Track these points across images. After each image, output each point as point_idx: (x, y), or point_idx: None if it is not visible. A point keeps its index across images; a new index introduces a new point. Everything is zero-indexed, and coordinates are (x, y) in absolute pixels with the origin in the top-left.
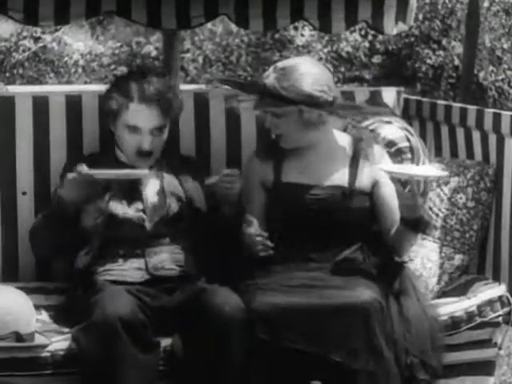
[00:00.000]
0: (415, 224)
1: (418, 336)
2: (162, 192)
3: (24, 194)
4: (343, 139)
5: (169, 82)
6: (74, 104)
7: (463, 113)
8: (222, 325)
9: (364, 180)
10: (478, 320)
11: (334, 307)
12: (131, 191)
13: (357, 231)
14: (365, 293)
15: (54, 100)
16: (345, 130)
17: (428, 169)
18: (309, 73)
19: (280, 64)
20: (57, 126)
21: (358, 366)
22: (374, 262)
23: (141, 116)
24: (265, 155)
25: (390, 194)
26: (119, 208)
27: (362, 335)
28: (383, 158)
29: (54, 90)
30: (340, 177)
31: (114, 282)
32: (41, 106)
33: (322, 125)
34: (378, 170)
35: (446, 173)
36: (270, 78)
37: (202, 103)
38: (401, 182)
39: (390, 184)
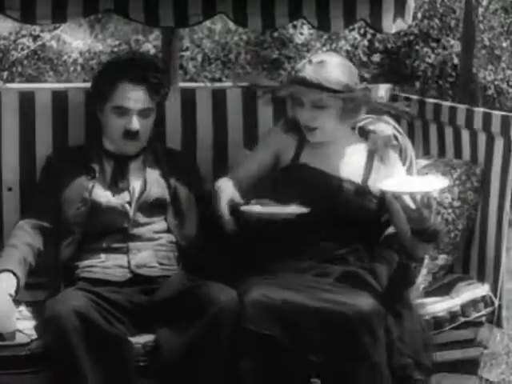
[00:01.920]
0: (423, 235)
1: (412, 336)
2: (144, 183)
3: (10, 189)
4: (360, 139)
5: (157, 66)
6: (59, 100)
7: (452, 112)
8: (217, 312)
9: (376, 181)
10: (462, 320)
11: (326, 312)
12: (118, 181)
13: (359, 231)
14: (364, 302)
15: (40, 96)
16: (353, 129)
17: (427, 182)
18: (345, 65)
19: (314, 58)
20: (43, 122)
21: (341, 369)
22: (369, 268)
23: (129, 97)
24: (291, 131)
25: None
26: (102, 197)
27: (349, 345)
28: (396, 164)
29: (40, 86)
30: (355, 173)
31: (96, 280)
32: (27, 101)
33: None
34: (391, 173)
35: (446, 183)
36: (306, 70)
37: (188, 99)
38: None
39: None
